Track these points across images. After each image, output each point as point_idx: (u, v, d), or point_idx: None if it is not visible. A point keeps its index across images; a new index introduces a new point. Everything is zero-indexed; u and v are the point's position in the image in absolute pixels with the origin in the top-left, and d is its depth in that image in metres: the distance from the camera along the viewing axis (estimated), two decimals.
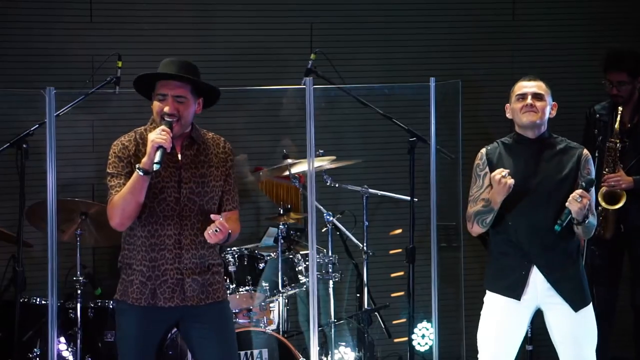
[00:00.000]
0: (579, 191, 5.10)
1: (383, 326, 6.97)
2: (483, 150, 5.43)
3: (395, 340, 7.27)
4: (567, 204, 5.11)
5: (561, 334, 5.29)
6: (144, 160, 4.77)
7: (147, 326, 4.91)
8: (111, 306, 6.28)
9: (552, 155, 5.32)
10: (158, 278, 4.89)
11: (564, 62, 7.86)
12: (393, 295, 7.34)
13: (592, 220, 5.22)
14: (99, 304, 6.43)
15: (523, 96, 5.30)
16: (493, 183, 5.18)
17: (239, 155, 6.87)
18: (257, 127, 7.35)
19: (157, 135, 4.77)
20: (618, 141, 6.50)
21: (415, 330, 7.18)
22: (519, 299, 5.27)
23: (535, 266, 5.26)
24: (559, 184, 5.26)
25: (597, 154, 6.43)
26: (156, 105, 4.90)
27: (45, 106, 5.28)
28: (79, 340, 6.28)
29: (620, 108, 6.57)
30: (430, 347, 7.00)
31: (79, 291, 6.32)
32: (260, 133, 7.33)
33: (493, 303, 5.36)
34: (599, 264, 6.58)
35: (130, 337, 4.91)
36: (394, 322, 7.25)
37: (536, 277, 5.27)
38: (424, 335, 7.26)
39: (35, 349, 6.30)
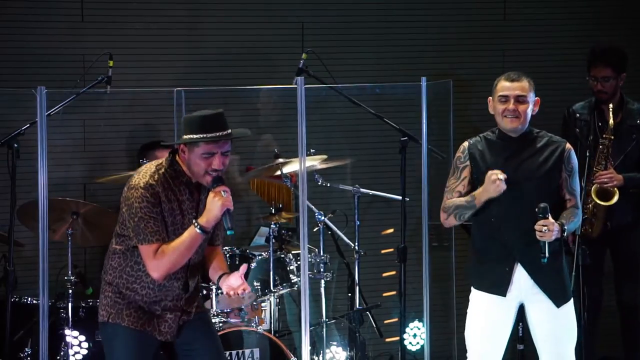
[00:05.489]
0: (540, 222, 5.09)
1: (374, 326, 6.96)
2: (465, 144, 5.42)
3: (387, 339, 7.27)
4: (538, 237, 5.10)
5: (542, 330, 5.31)
6: (206, 219, 4.72)
7: (142, 348, 4.86)
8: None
9: (535, 151, 5.32)
10: (159, 316, 4.86)
11: (555, 61, 7.87)
12: (384, 294, 7.34)
13: (572, 226, 5.24)
14: (90, 303, 6.42)
15: (505, 99, 5.29)
16: (486, 181, 5.18)
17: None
18: (249, 126, 7.33)
19: (226, 199, 4.73)
20: (612, 137, 6.50)
21: (407, 329, 7.18)
22: (505, 295, 5.29)
23: (519, 262, 5.27)
24: (542, 180, 5.27)
25: (587, 154, 6.44)
26: (199, 161, 4.75)
27: (36, 105, 5.28)
28: (69, 339, 6.27)
29: (611, 105, 6.57)
30: (422, 346, 7.00)
31: (70, 291, 6.31)
32: (252, 133, 7.32)
33: (478, 301, 5.37)
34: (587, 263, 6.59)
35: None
36: (386, 321, 7.25)
37: (520, 273, 5.28)
38: (416, 335, 7.26)
39: (26, 349, 6.30)
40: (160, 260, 4.71)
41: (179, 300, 4.89)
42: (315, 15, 7.52)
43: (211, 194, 4.77)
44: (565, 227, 5.17)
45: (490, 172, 5.18)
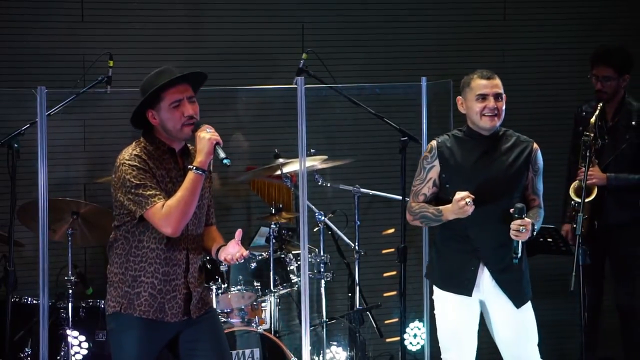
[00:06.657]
0: (517, 222, 5.07)
1: (375, 326, 6.97)
2: (434, 143, 5.36)
3: (387, 339, 7.28)
4: (513, 237, 5.09)
5: (503, 331, 5.31)
6: (200, 159, 4.70)
7: (150, 343, 4.83)
8: (102, 307, 6.26)
9: (504, 150, 5.30)
10: (168, 292, 4.82)
11: (554, 62, 7.87)
12: (385, 294, 7.35)
13: (537, 225, 5.22)
14: (90, 303, 6.43)
15: (484, 97, 5.25)
16: (454, 203, 5.12)
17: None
18: (249, 126, 7.35)
19: (212, 134, 4.71)
20: (592, 135, 6.48)
21: (407, 329, 7.18)
22: (471, 295, 5.27)
23: (483, 262, 5.26)
24: (510, 180, 5.26)
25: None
26: (170, 115, 4.76)
27: (36, 105, 5.29)
28: (69, 339, 6.28)
29: (600, 105, 6.56)
30: (422, 346, 7.01)
31: (70, 291, 6.31)
32: (252, 133, 7.34)
33: (445, 302, 5.35)
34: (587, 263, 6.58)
35: (133, 358, 4.81)
36: (386, 321, 7.26)
37: (484, 273, 5.27)
38: (416, 335, 7.27)
39: (26, 349, 6.30)
40: (169, 213, 4.68)
41: (185, 278, 4.86)
42: (315, 15, 7.52)
43: (197, 135, 4.75)
44: (535, 227, 5.18)
45: (457, 195, 5.10)
